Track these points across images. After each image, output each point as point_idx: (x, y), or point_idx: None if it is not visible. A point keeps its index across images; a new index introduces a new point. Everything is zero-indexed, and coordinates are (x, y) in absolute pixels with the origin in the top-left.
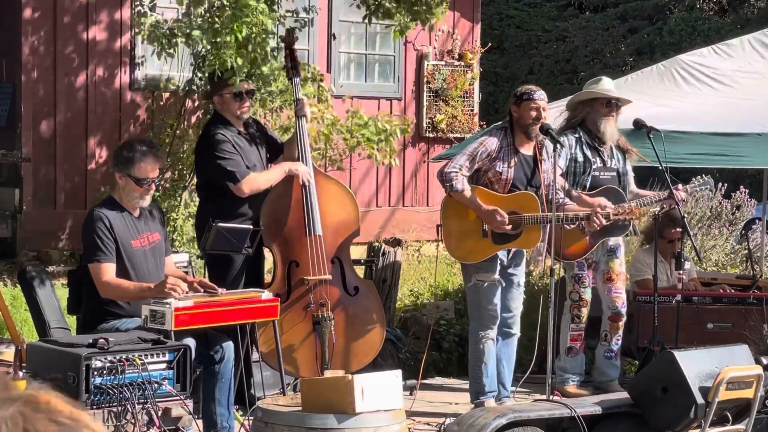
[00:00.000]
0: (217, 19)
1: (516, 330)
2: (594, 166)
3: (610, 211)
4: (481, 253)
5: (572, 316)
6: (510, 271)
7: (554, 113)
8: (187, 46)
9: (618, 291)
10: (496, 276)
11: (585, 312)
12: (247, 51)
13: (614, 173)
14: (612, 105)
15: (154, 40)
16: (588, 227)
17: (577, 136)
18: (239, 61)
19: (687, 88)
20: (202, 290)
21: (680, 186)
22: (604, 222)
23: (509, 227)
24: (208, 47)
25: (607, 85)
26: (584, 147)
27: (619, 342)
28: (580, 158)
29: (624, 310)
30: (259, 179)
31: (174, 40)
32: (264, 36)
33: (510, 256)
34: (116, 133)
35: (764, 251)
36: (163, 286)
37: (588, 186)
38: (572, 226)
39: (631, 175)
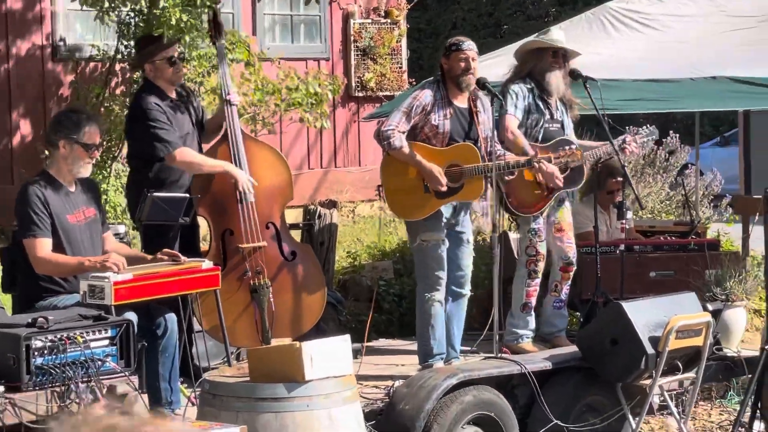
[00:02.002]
0: None
1: (467, 290)
2: (545, 118)
3: (551, 155)
4: (425, 208)
5: (529, 272)
6: (457, 228)
7: (479, 68)
8: (122, 6)
9: (569, 241)
10: (441, 234)
11: (541, 266)
12: (195, 6)
13: (559, 125)
14: (558, 56)
15: (94, 3)
16: (540, 175)
17: (530, 86)
18: (185, 17)
19: (617, 35)
20: (168, 259)
21: (629, 137)
22: (549, 167)
23: (444, 186)
24: (145, 10)
25: (555, 35)
26: (536, 98)
27: (567, 292)
28: (534, 109)
29: (575, 260)
30: (194, 158)
31: (112, 3)
32: None
33: (454, 212)
34: (41, 105)
35: (699, 196)
36: (104, 260)
37: (540, 138)
38: (512, 176)
39: (571, 127)
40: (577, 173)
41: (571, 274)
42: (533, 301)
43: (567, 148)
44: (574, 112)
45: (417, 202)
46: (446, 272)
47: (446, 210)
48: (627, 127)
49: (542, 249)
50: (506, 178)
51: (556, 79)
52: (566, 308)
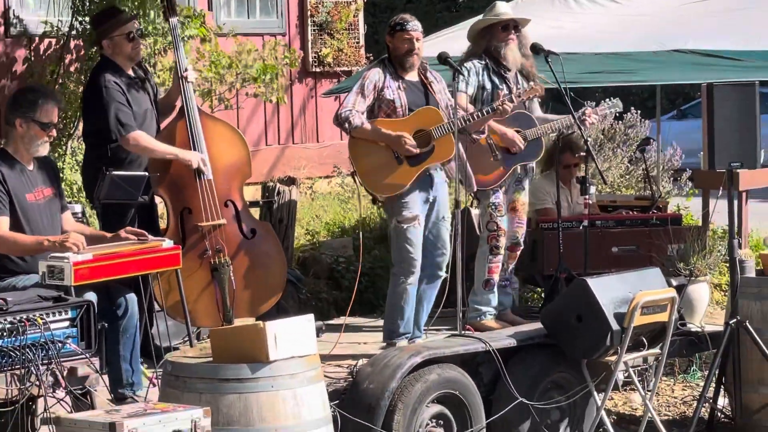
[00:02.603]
0: None
1: (443, 272)
2: (501, 93)
3: (512, 95)
4: (402, 178)
5: (490, 247)
6: (434, 206)
7: (435, 43)
8: None
9: (521, 221)
10: (416, 213)
11: (503, 242)
12: None
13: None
14: (509, 28)
15: None
16: (499, 144)
17: (483, 63)
18: None
19: (578, 9)
20: (134, 238)
21: (588, 110)
22: (510, 105)
23: (416, 150)
24: None
25: (501, 9)
26: (491, 74)
27: (513, 271)
28: (488, 85)
29: (522, 240)
30: (148, 143)
31: None
32: None
33: (432, 189)
34: None
35: (660, 170)
36: (64, 240)
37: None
38: (482, 134)
39: (536, 101)
40: (535, 145)
41: (518, 254)
42: (496, 277)
43: (527, 86)
44: (537, 87)
45: (393, 175)
46: (420, 253)
47: (417, 187)
48: (586, 102)
49: (503, 224)
50: (474, 136)
51: (511, 53)
52: (510, 286)
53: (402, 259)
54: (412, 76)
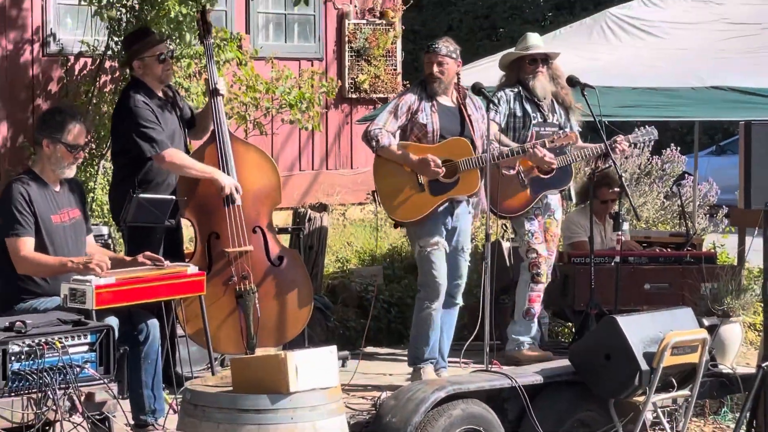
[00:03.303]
0: None
1: (459, 299)
2: (534, 121)
3: (546, 140)
4: (422, 207)
5: (532, 275)
6: (454, 236)
7: (474, 72)
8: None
9: (551, 253)
10: (438, 239)
11: (545, 269)
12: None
13: (555, 128)
14: (537, 62)
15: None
16: (528, 173)
17: (516, 90)
18: (184, 10)
19: (616, 41)
20: (150, 263)
21: (620, 137)
22: (542, 151)
23: (442, 171)
24: (136, 6)
25: (532, 41)
26: (524, 101)
27: (541, 305)
28: (519, 113)
29: (550, 273)
30: (183, 161)
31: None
32: None
33: (451, 216)
34: (29, 102)
35: (696, 206)
36: (88, 261)
37: (528, 140)
38: (512, 171)
39: (576, 130)
40: (564, 173)
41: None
42: (537, 306)
43: (561, 132)
44: (572, 135)
45: (413, 201)
46: (446, 277)
47: (444, 215)
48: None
49: (542, 250)
50: (503, 171)
51: (540, 84)
52: (535, 320)
53: (427, 283)
54: (448, 101)
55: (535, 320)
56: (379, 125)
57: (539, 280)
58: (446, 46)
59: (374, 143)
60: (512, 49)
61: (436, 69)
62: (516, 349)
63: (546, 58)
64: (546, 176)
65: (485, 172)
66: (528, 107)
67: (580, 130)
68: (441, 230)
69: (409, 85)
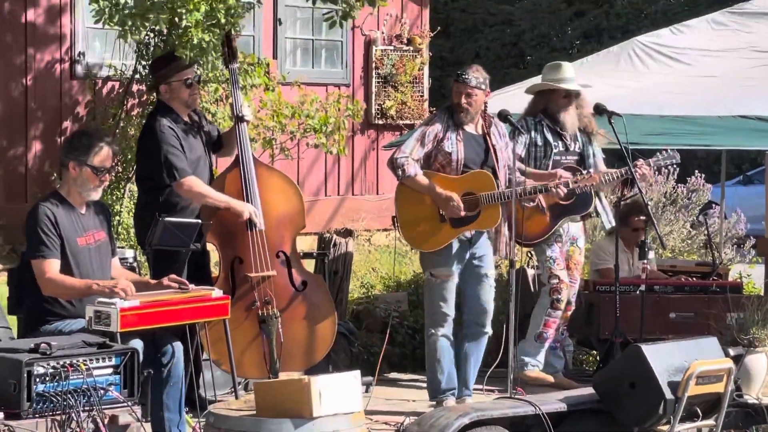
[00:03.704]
0: None
1: (488, 328)
2: (555, 150)
3: (569, 179)
4: (440, 238)
5: (552, 300)
6: (475, 263)
7: (501, 99)
8: (142, 28)
9: (573, 281)
10: (450, 270)
11: (565, 295)
12: (219, 26)
13: (577, 157)
14: (570, 95)
15: (116, 22)
16: (548, 200)
17: (537, 119)
18: (207, 37)
19: (644, 68)
20: (175, 286)
21: (641, 161)
22: (564, 191)
23: (462, 214)
24: (164, 29)
25: (566, 74)
26: (545, 130)
27: (566, 333)
28: (540, 142)
29: (574, 300)
30: (201, 189)
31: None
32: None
33: (469, 244)
34: (57, 124)
35: (722, 236)
36: (114, 286)
37: (549, 169)
38: (532, 203)
39: (599, 156)
40: (584, 198)
41: (569, 314)
42: (550, 333)
43: (585, 172)
44: (600, 140)
45: (432, 231)
46: (453, 308)
47: (456, 244)
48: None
49: (564, 276)
50: (525, 204)
51: (570, 117)
52: (562, 348)
53: (432, 312)
54: (474, 129)
55: (545, 345)
56: (406, 153)
57: (558, 307)
58: (476, 77)
59: (400, 172)
60: (543, 78)
61: (464, 100)
62: (520, 369)
63: (578, 94)
64: (566, 202)
65: (508, 205)
66: (549, 136)
67: (604, 156)
68: (455, 262)
69: (435, 111)
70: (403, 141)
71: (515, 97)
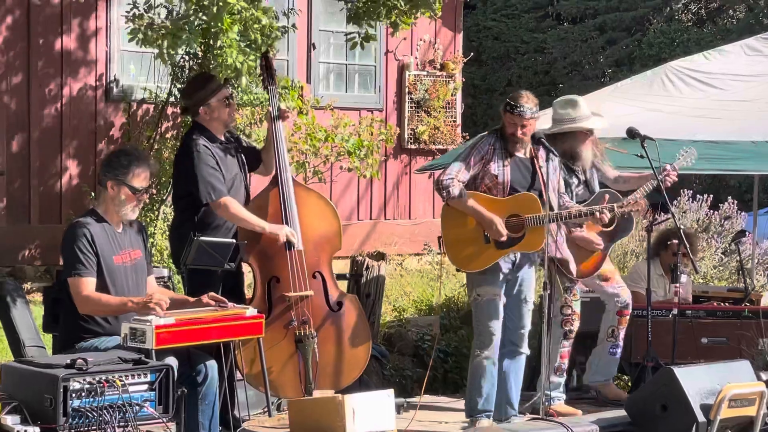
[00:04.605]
0: (204, 17)
1: (524, 348)
2: (573, 186)
3: (615, 204)
4: (485, 259)
5: (564, 332)
6: (517, 286)
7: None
8: (175, 46)
9: (620, 284)
10: (497, 290)
11: (576, 326)
12: (255, 47)
13: (584, 186)
14: (591, 132)
15: (151, 42)
16: (590, 229)
17: (558, 159)
18: (240, 58)
19: (677, 93)
20: (214, 304)
21: (667, 167)
22: (609, 216)
23: (504, 238)
24: (198, 52)
25: (583, 111)
26: (564, 170)
27: (623, 338)
28: (564, 183)
29: (630, 301)
30: (238, 212)
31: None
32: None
33: (513, 268)
34: (92, 146)
35: (755, 263)
36: (148, 301)
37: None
38: (579, 230)
39: (607, 163)
40: (627, 222)
41: (628, 317)
42: (566, 363)
43: (630, 198)
44: (641, 202)
45: (477, 252)
46: (501, 329)
47: (504, 265)
48: (683, 190)
49: (577, 308)
50: (573, 231)
51: (588, 153)
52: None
53: (479, 332)
54: (522, 153)
55: (564, 375)
56: (452, 175)
57: (570, 337)
58: (530, 108)
59: (445, 194)
60: (561, 115)
61: (519, 132)
62: (550, 405)
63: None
64: (608, 228)
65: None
66: (566, 176)
67: (618, 174)
68: (501, 282)
69: (468, 138)
70: (442, 164)
71: (547, 123)
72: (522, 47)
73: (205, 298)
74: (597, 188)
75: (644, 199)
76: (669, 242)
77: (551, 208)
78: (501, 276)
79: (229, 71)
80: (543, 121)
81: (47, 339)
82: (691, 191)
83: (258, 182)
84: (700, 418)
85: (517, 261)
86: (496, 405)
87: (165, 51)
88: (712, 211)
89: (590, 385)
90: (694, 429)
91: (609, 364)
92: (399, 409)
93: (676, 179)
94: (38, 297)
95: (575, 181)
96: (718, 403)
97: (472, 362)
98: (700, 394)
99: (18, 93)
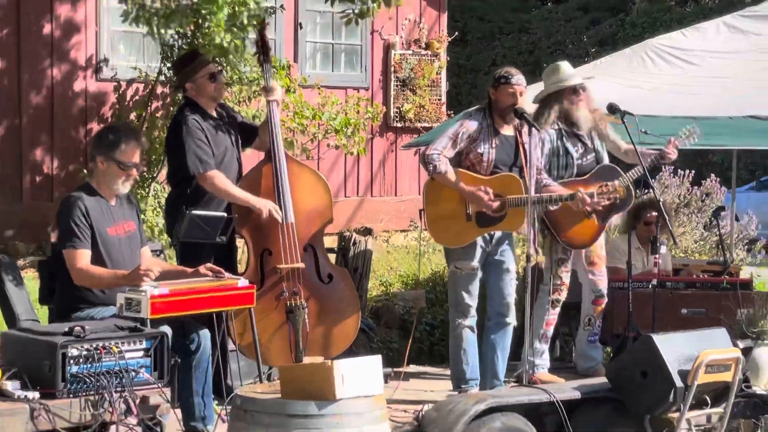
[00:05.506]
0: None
1: (511, 318)
2: (576, 155)
3: (594, 190)
4: (465, 236)
5: (552, 300)
6: (497, 257)
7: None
8: (166, 27)
9: (601, 274)
10: (474, 264)
11: (563, 296)
12: (242, 28)
13: (593, 156)
14: (579, 90)
15: (144, 21)
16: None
17: (556, 128)
18: (228, 37)
19: (655, 69)
20: (211, 274)
21: (670, 146)
22: (589, 201)
23: (496, 204)
24: (189, 33)
25: (567, 71)
26: (564, 138)
27: (600, 326)
28: (562, 152)
29: (605, 293)
30: (224, 185)
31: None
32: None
33: (491, 241)
34: (82, 125)
35: (734, 238)
36: (137, 273)
37: (575, 174)
38: (555, 206)
39: (610, 128)
40: (626, 197)
41: (603, 306)
42: (551, 330)
43: (609, 184)
44: (620, 189)
45: (458, 229)
46: (476, 299)
47: (483, 241)
48: (664, 166)
49: (566, 279)
50: (550, 207)
51: (582, 114)
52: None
53: (457, 303)
54: (508, 130)
55: (548, 343)
56: (438, 150)
57: (557, 306)
58: (522, 78)
59: (431, 168)
60: (546, 82)
61: (520, 100)
62: (533, 373)
63: (584, 87)
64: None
65: (527, 208)
66: (569, 144)
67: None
68: (479, 256)
69: (452, 116)
70: (427, 141)
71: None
72: (506, 27)
73: (202, 269)
74: (605, 160)
75: (622, 187)
76: (642, 215)
77: (532, 189)
78: (480, 249)
79: (216, 50)
80: (527, 100)
81: (41, 314)
82: (673, 167)
83: (253, 157)
84: (678, 383)
85: (495, 234)
86: (482, 376)
87: (156, 31)
88: (694, 186)
89: (581, 371)
90: (672, 394)
91: (591, 350)
92: (386, 378)
93: (675, 156)
94: (31, 273)
95: (580, 147)
96: (695, 369)
97: (452, 332)
98: (678, 360)
99: (8, 73)
